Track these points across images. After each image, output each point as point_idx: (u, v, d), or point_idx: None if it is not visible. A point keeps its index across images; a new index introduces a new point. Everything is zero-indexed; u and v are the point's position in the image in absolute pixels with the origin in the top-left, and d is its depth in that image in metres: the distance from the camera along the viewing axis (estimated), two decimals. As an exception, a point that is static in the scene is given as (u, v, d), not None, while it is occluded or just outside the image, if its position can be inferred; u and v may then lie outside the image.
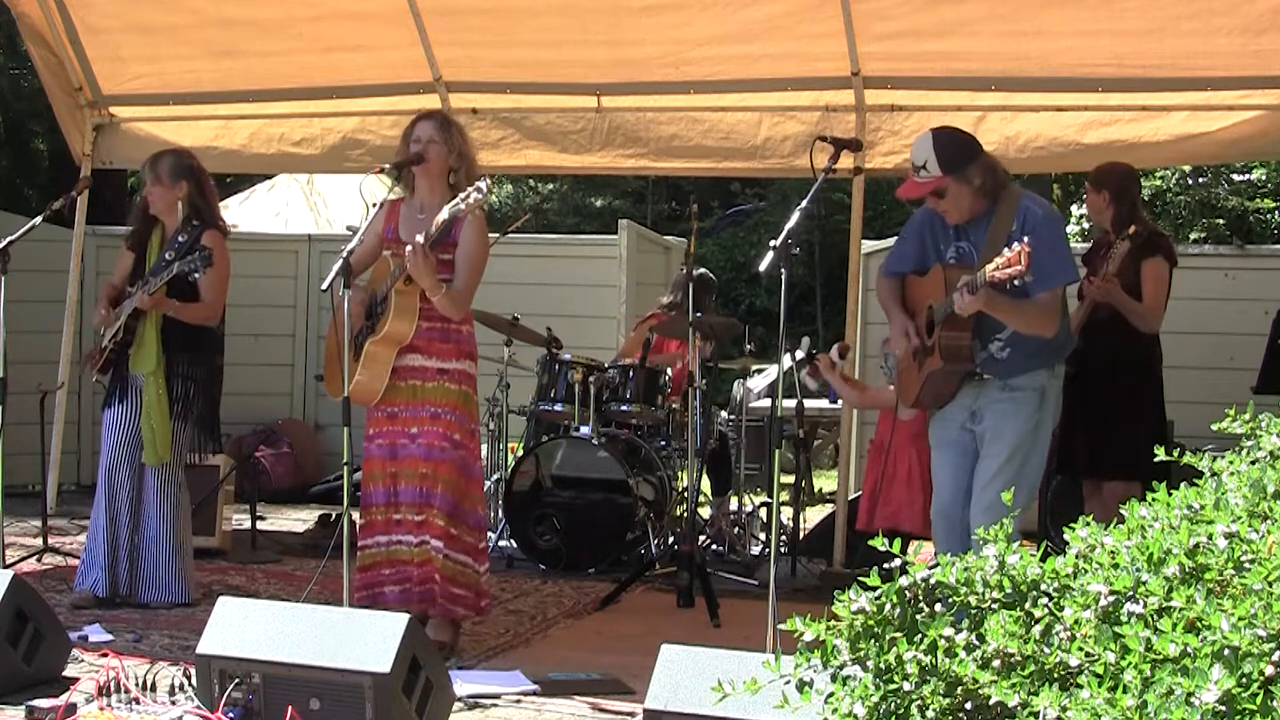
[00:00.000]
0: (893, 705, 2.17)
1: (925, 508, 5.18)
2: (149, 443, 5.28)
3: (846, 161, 5.30)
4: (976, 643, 2.18)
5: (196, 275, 5.14)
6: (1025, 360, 4.22)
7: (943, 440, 4.43)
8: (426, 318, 4.67)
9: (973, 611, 2.26)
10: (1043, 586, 2.25)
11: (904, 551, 2.36)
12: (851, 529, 6.49)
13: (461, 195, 4.45)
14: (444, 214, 4.48)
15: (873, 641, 2.24)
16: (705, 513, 7.21)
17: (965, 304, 4.03)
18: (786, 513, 7.09)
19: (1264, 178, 15.02)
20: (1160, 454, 2.70)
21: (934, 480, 4.51)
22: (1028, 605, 2.24)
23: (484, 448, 6.84)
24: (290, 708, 3.34)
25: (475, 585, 4.75)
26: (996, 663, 2.14)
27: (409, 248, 4.48)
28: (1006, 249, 3.88)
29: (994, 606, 2.24)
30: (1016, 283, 3.93)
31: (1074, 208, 14.21)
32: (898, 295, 4.50)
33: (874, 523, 5.67)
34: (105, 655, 4.11)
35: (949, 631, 2.20)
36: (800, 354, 6.33)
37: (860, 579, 2.31)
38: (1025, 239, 3.86)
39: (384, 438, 4.71)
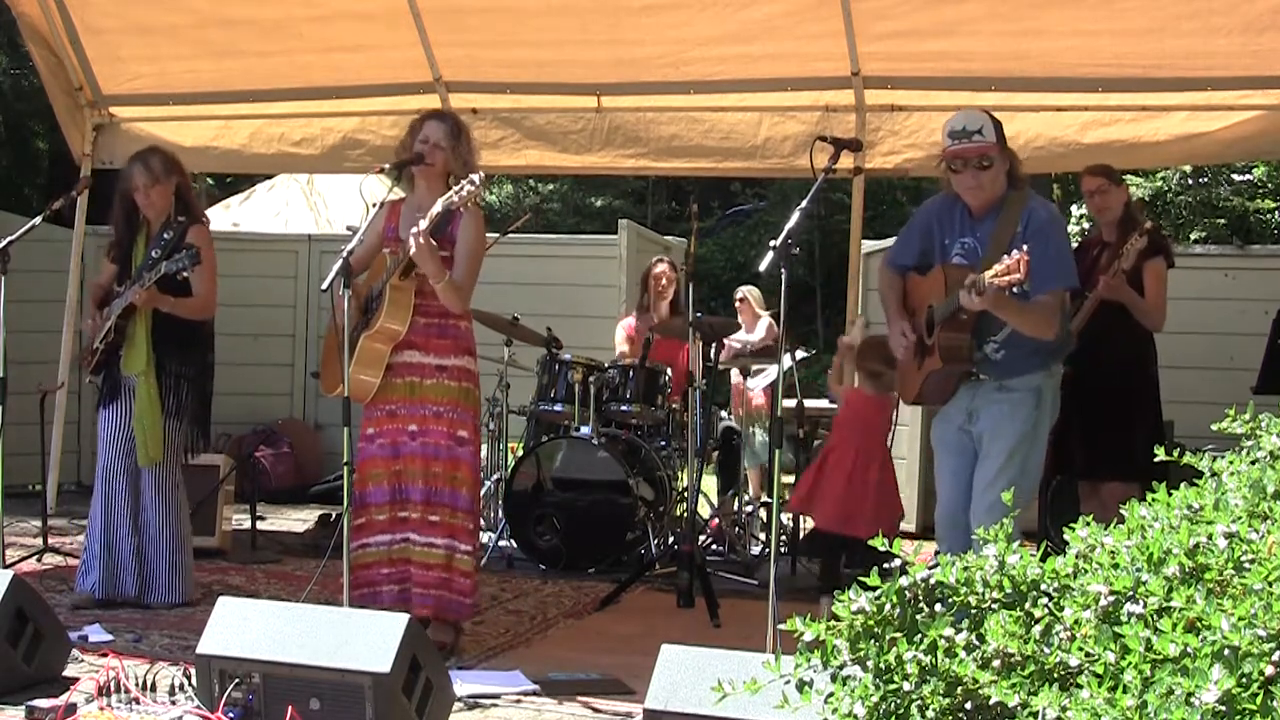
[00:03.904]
0: (893, 705, 2.17)
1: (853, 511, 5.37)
2: (140, 444, 5.26)
3: (846, 161, 5.30)
4: (976, 643, 2.18)
5: (186, 274, 5.13)
6: (1021, 361, 4.21)
7: (942, 442, 4.43)
8: (424, 314, 4.63)
9: (973, 611, 2.26)
10: (1043, 586, 2.25)
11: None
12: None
13: (455, 188, 4.43)
14: (438, 206, 4.45)
15: (873, 641, 2.24)
16: (705, 512, 7.20)
17: (973, 303, 4.02)
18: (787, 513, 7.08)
19: (1264, 178, 15.00)
20: (1160, 454, 2.69)
21: (937, 484, 4.49)
22: (1028, 605, 2.24)
23: (484, 448, 6.85)
24: (290, 708, 3.34)
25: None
26: (996, 663, 2.14)
27: (411, 236, 4.45)
28: (1006, 256, 3.88)
29: (994, 606, 2.24)
30: (1015, 290, 3.94)
31: (1074, 208, 14.19)
32: (899, 290, 4.49)
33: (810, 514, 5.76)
34: (105, 655, 4.10)
35: (949, 631, 2.20)
36: (801, 354, 6.33)
37: (860, 579, 2.31)
38: (1024, 246, 3.86)
39: (385, 436, 4.65)
